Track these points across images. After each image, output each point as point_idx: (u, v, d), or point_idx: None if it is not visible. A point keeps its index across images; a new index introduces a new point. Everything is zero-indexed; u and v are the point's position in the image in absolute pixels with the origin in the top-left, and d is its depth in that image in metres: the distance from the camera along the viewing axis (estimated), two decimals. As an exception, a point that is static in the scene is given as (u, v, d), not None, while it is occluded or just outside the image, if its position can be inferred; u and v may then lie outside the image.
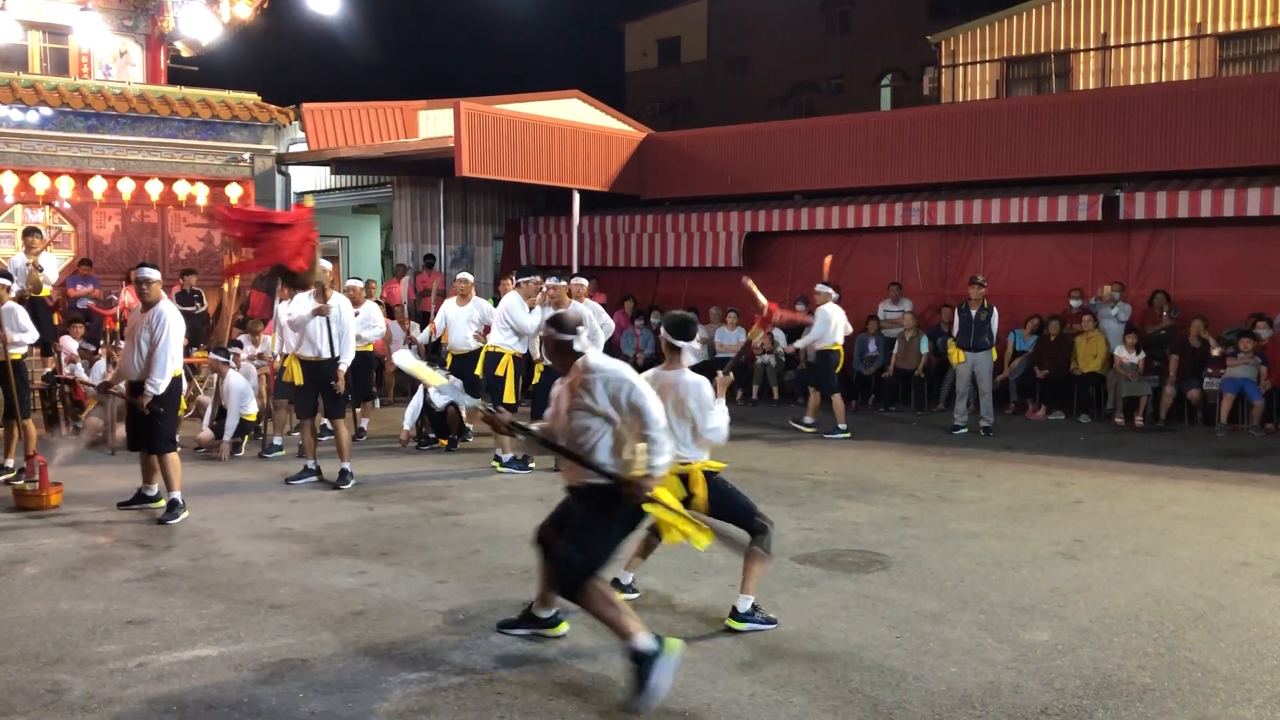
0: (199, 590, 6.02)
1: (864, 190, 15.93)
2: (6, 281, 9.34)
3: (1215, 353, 12.32)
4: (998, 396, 12.73)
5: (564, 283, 10.11)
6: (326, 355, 9.01)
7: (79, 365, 11.90)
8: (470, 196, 18.56)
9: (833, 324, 12.10)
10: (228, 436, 10.47)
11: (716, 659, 4.94)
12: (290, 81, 26.92)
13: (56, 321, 12.77)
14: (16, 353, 8.88)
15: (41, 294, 12.13)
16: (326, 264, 9.39)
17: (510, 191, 18.35)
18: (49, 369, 11.96)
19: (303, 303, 9.10)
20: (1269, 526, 7.66)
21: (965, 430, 12.17)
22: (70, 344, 12.02)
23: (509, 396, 10.03)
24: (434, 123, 18.28)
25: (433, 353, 12.24)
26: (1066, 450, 11.03)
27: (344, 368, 9.11)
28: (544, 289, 10.20)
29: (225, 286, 14.85)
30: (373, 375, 11.99)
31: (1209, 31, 19.66)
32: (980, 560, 6.69)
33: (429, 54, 42.21)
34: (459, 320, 10.69)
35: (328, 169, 18.14)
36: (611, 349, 15.19)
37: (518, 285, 10.44)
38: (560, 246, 18.23)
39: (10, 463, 9.23)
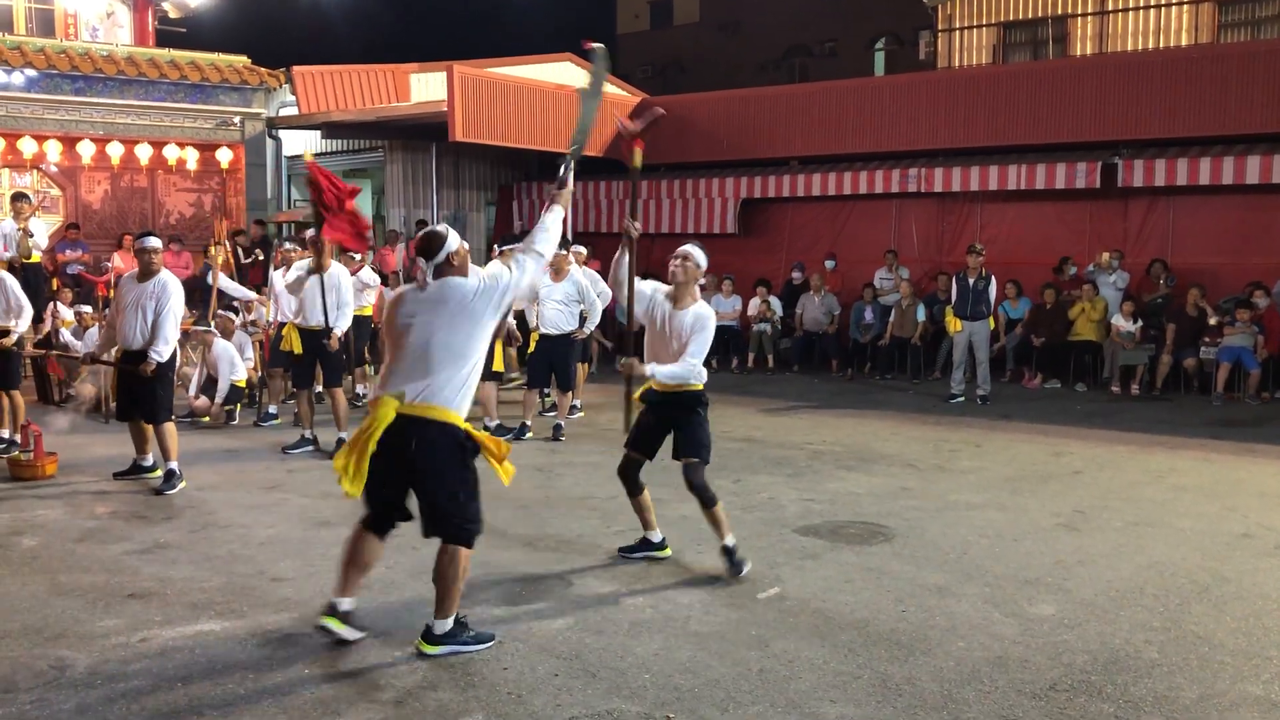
0: (199, 563, 5.98)
1: (860, 156, 15.82)
2: None
3: (1212, 321, 12.32)
4: (994, 364, 12.71)
5: (563, 251, 10.00)
6: (324, 324, 8.93)
7: (65, 332, 11.78)
8: (463, 161, 18.39)
9: None
10: (218, 400, 10.43)
11: (723, 635, 4.92)
12: (280, 44, 26.54)
13: (55, 286, 12.64)
14: (9, 340, 8.72)
15: (32, 260, 11.99)
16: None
17: (503, 156, 18.18)
18: (40, 336, 11.84)
19: (297, 270, 9.01)
20: (1268, 497, 7.67)
21: (962, 399, 12.16)
22: (64, 310, 11.89)
23: (498, 365, 9.99)
24: (426, 86, 18.07)
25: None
26: (1064, 419, 11.03)
27: (339, 332, 9.02)
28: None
29: (218, 250, 14.69)
30: (368, 341, 11.90)
31: (1207, -4, 19.52)
32: (983, 532, 6.69)
33: (419, 15, 41.72)
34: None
35: (318, 133, 17.93)
36: (608, 316, 15.12)
37: (500, 254, 10.34)
38: (554, 212, 18.07)
39: (4, 433, 9.15)
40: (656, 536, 6.06)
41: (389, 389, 4.59)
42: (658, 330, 5.83)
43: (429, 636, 4.65)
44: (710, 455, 5.78)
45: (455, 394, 4.59)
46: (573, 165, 5.20)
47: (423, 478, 4.60)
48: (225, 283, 11.26)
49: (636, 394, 5.90)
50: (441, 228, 4.82)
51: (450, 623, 4.66)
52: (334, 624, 4.71)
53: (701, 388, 5.80)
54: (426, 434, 4.54)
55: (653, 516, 6.04)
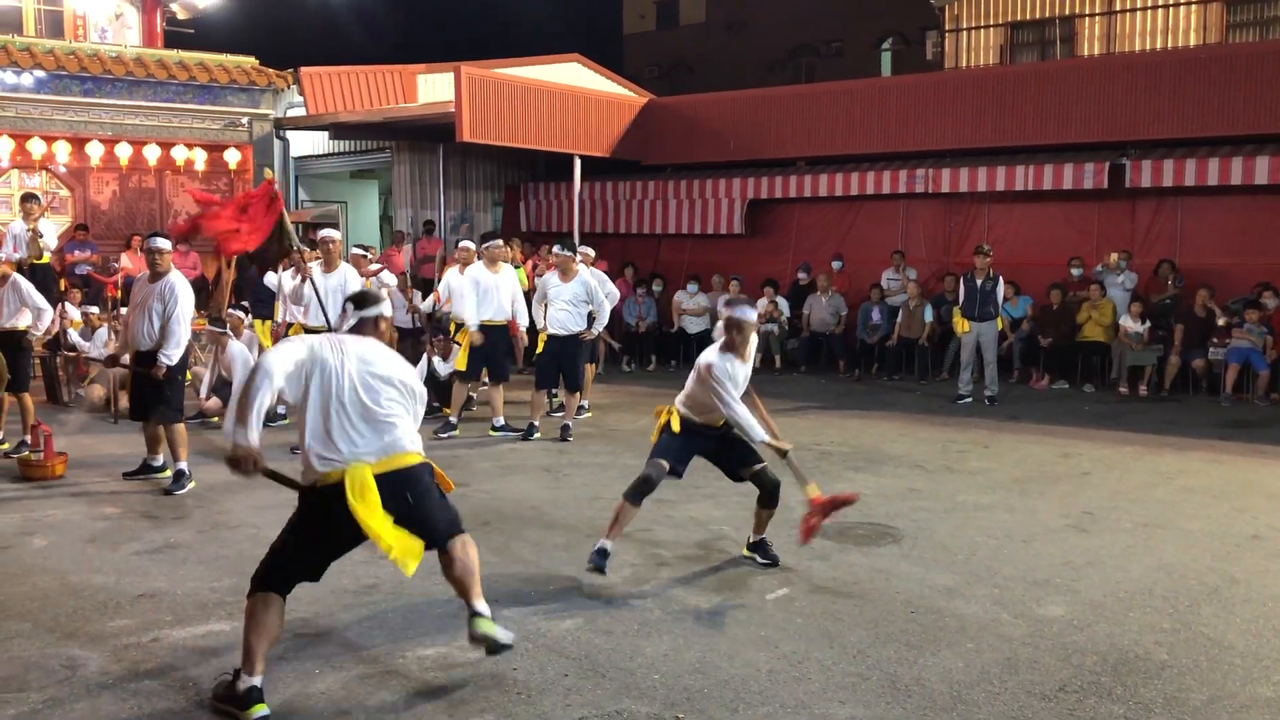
0: (209, 563, 6.00)
1: (867, 157, 15.81)
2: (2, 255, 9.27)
3: (1221, 322, 12.29)
4: (1001, 365, 12.69)
5: (568, 252, 10.02)
6: (328, 326, 8.95)
7: (73, 332, 11.81)
8: (470, 162, 18.42)
9: None
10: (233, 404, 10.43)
11: (733, 635, 4.93)
12: (288, 45, 26.60)
13: (63, 287, 12.68)
14: (34, 335, 8.76)
15: (42, 260, 12.02)
16: (334, 234, 9.30)
17: (510, 157, 18.21)
18: (50, 336, 11.87)
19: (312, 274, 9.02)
20: (1278, 499, 7.66)
21: (970, 400, 12.15)
22: (72, 311, 11.92)
23: (460, 364, 10.15)
24: (433, 87, 18.09)
25: (433, 322, 12.17)
26: (1072, 420, 11.02)
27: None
28: (549, 257, 10.18)
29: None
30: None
31: (1216, -4, 19.47)
32: (991, 533, 6.69)
33: (426, 16, 41.77)
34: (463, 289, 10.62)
35: (326, 134, 17.96)
36: (615, 317, 15.13)
37: (485, 249, 10.39)
38: (561, 213, 18.11)
39: (1, 434, 9.16)
40: (610, 547, 5.78)
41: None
42: (742, 384, 5.85)
43: (488, 617, 4.41)
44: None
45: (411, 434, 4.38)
46: None
47: (417, 520, 4.34)
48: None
49: (667, 422, 6.05)
50: (378, 293, 4.64)
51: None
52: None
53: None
54: (413, 482, 4.33)
55: (628, 528, 5.99)
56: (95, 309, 12.08)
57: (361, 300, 4.56)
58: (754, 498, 6.01)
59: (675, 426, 5.90)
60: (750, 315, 5.79)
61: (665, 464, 5.82)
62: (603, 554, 5.69)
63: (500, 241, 10.62)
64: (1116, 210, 14.21)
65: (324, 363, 4.23)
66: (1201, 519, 7.07)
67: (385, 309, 4.57)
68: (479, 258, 10.45)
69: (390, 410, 4.29)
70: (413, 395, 4.41)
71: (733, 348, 5.74)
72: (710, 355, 5.73)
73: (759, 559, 6.01)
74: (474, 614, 4.38)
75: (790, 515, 6.16)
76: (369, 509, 4.12)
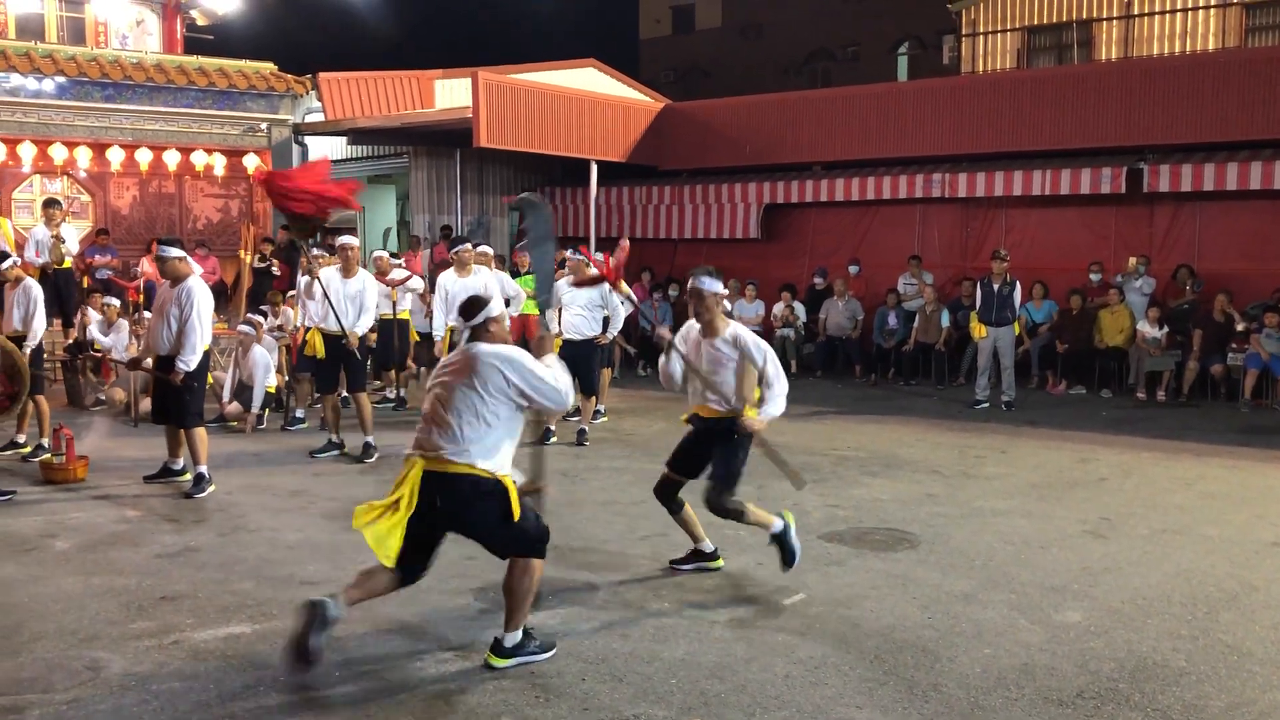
0: (229, 566, 6.05)
1: (884, 162, 15.80)
2: (15, 260, 9.33)
3: (1240, 328, 12.24)
4: (1018, 370, 12.67)
5: (579, 257, 10.08)
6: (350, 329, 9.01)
7: (93, 328, 11.87)
8: (486, 167, 18.47)
9: None
10: (255, 408, 10.50)
11: (750, 640, 4.94)
12: (307, 51, 26.78)
13: (85, 284, 12.79)
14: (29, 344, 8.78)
15: (64, 265, 12.13)
16: (352, 239, 9.35)
17: (527, 162, 18.25)
18: (71, 340, 11.98)
19: (328, 278, 9.07)
20: (1297, 505, 7.63)
21: (987, 405, 12.13)
22: (93, 315, 12.01)
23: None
24: (450, 92, 18.17)
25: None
26: (1089, 425, 10.99)
27: (359, 331, 9.10)
28: (567, 262, 10.22)
29: (244, 256, 14.84)
30: (396, 343, 12.02)
31: (1235, 0, 19.39)
32: (1008, 539, 6.68)
33: (443, 21, 41.97)
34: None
35: (344, 139, 18.06)
36: (631, 322, 15.16)
37: (454, 254, 10.34)
38: (577, 217, 18.15)
39: (22, 438, 9.25)
40: (708, 547, 6.01)
41: (420, 447, 4.57)
42: (693, 359, 5.82)
43: (499, 650, 4.58)
44: (737, 485, 5.74)
45: (482, 451, 4.52)
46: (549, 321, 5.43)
47: (466, 528, 4.61)
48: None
49: (683, 417, 6.00)
50: (486, 294, 4.86)
51: (520, 634, 4.62)
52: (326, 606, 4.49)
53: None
54: (455, 488, 4.48)
55: (699, 529, 6.00)
56: (115, 301, 12.15)
57: (468, 310, 4.74)
58: (766, 504, 5.99)
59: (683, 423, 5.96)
60: (708, 285, 5.74)
61: (668, 472, 5.92)
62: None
63: (469, 245, 10.38)
64: (1134, 215, 14.16)
65: None
66: (1220, 525, 7.04)
67: (494, 309, 4.74)
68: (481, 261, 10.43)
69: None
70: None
71: (697, 318, 5.81)
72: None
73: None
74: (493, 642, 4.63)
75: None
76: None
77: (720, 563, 6.00)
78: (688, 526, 5.99)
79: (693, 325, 5.88)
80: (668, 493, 5.92)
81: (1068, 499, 7.80)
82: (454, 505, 4.51)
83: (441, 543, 4.69)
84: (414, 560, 4.59)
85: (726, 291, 5.94)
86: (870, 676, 4.54)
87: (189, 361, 7.65)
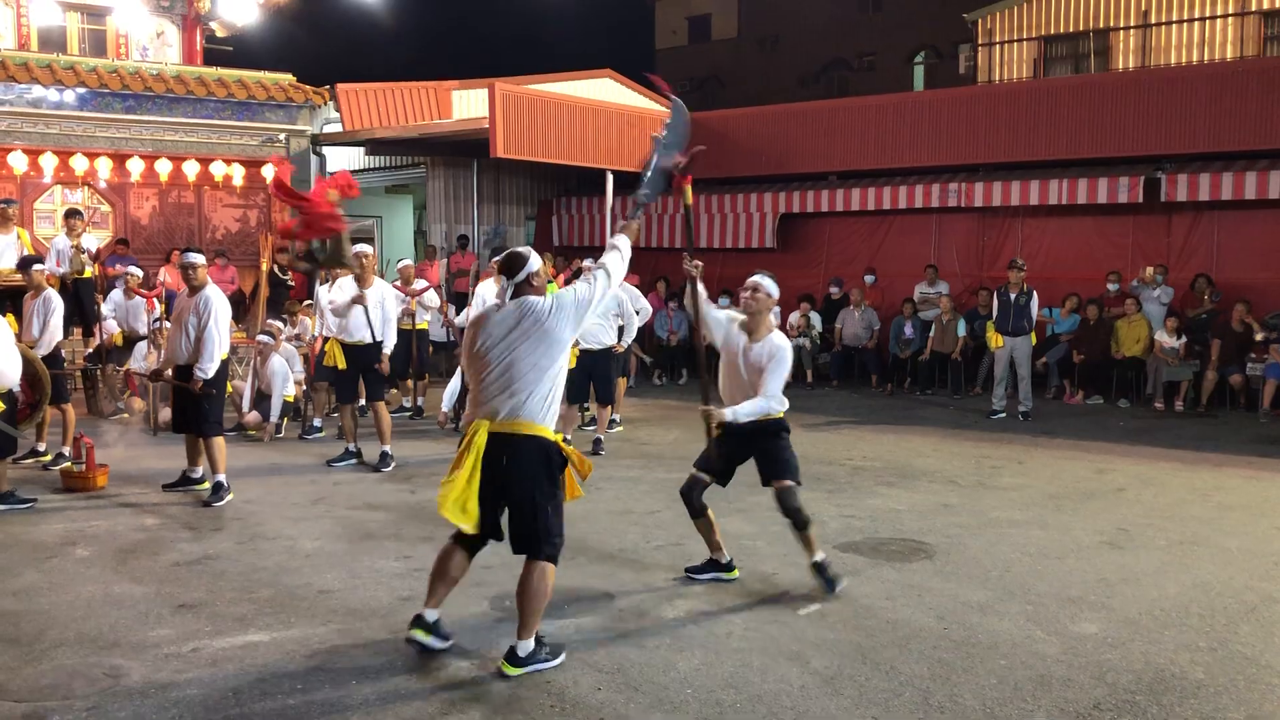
0: (247, 574, 6.08)
1: (900, 171, 15.80)
2: (41, 266, 9.41)
3: (1258, 337, 12.18)
4: (1036, 380, 12.63)
5: (590, 263, 10.12)
6: (368, 340, 9.05)
7: (107, 306, 11.94)
8: (503, 177, 18.56)
9: None
10: (273, 417, 10.56)
11: (765, 650, 4.94)
12: (325, 62, 26.94)
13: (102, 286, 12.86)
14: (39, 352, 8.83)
15: (85, 275, 12.23)
16: (367, 248, 9.40)
17: (543, 172, 18.33)
18: (91, 349, 12.07)
19: (344, 288, 9.13)
20: (1317, 516, 7.58)
21: (1003, 415, 12.09)
22: (111, 325, 12.11)
23: None
24: (467, 103, 18.25)
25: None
26: (1107, 436, 10.94)
27: (387, 351, 9.17)
28: (584, 270, 10.22)
29: (263, 266, 14.94)
30: (413, 353, 12.08)
31: (1253, 8, 19.31)
32: (1025, 549, 6.66)
33: (460, 32, 42.18)
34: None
35: (362, 149, 18.17)
36: (647, 331, 15.19)
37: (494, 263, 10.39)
38: (593, 227, 18.20)
39: (43, 446, 9.32)
40: (724, 558, 5.99)
41: (480, 411, 4.71)
42: (734, 363, 5.81)
43: (513, 659, 4.63)
44: (800, 477, 5.76)
45: (540, 408, 4.69)
46: (640, 212, 5.46)
47: (514, 491, 4.67)
48: None
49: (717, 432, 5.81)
50: (524, 249, 4.93)
51: (533, 643, 4.67)
52: (421, 635, 4.80)
53: (783, 415, 5.78)
54: (518, 449, 4.64)
55: (719, 536, 5.97)
56: (139, 271, 12.24)
57: (509, 267, 4.84)
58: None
59: (715, 431, 5.78)
60: (767, 283, 5.86)
61: (699, 475, 5.85)
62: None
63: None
64: (1152, 224, 14.11)
65: None
66: (1239, 536, 7.00)
67: (534, 264, 4.85)
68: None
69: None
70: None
71: (746, 310, 5.88)
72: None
73: (820, 584, 5.76)
74: (508, 651, 4.71)
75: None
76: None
77: (736, 573, 5.99)
78: (707, 534, 5.95)
79: (738, 318, 5.87)
80: (694, 494, 5.84)
81: (1084, 510, 7.78)
82: (521, 466, 4.65)
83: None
84: (488, 525, 4.72)
85: (776, 297, 5.93)
86: (886, 688, 4.53)
87: (207, 369, 7.73)
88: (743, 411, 5.61)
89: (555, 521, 4.72)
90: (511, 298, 4.81)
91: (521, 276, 4.79)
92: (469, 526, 4.62)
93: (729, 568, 6.00)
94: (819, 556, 5.72)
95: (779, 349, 5.71)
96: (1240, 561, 6.42)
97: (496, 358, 4.67)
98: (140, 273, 12.17)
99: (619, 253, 5.04)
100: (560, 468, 4.75)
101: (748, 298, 5.83)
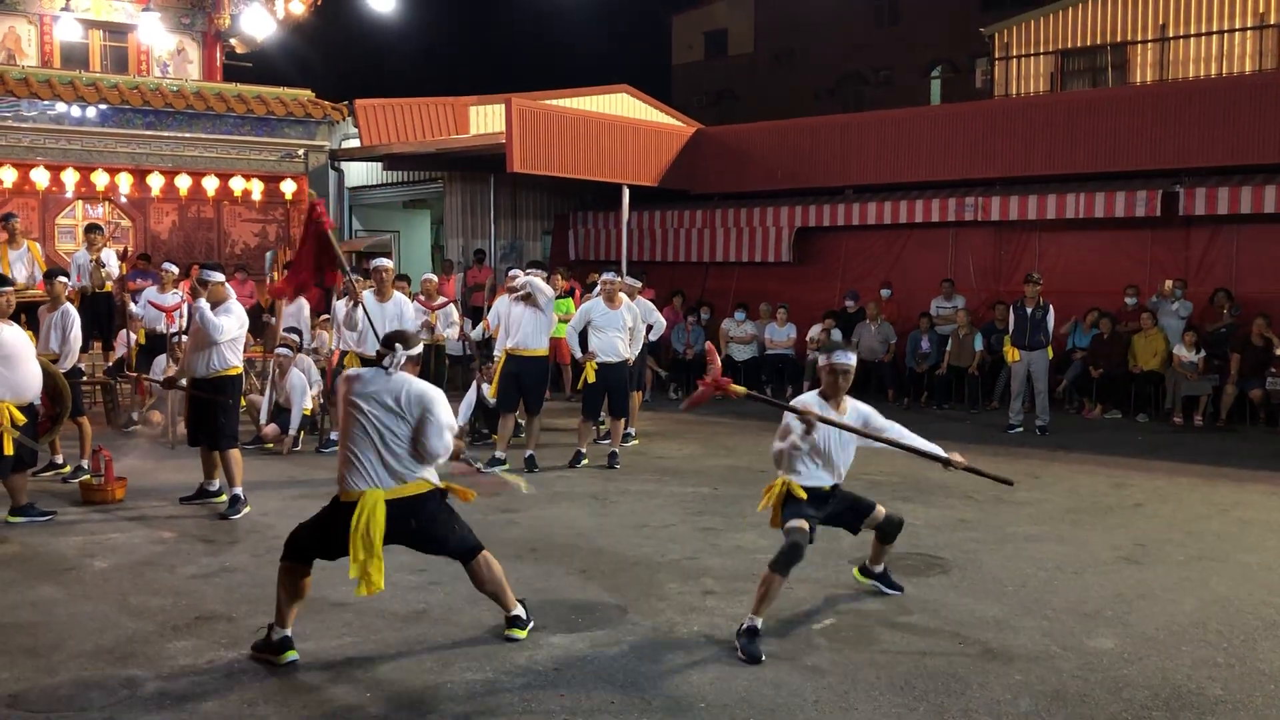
0: (263, 586, 6.09)
1: (916, 185, 15.77)
2: (65, 279, 9.49)
3: (1278, 352, 12.09)
4: (1054, 399, 12.56)
5: (617, 279, 10.20)
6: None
7: (139, 305, 11.95)
8: (520, 191, 18.63)
9: None
10: (292, 430, 10.61)
11: (779, 664, 4.93)
12: (343, 78, 27.17)
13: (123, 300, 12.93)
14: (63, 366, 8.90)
15: (104, 289, 12.34)
16: (387, 262, 9.45)
17: (560, 186, 18.39)
18: (111, 363, 12.16)
19: (366, 302, 9.16)
20: (1337, 532, 7.51)
21: (1020, 429, 12.04)
22: (140, 315, 12.12)
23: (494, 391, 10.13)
24: (484, 118, 18.36)
25: (483, 349, 12.31)
26: (1125, 450, 10.88)
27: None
28: (600, 283, 10.31)
29: (277, 278, 15.03)
30: (433, 367, 12.12)
31: (1272, 21, 19.25)
32: (1041, 564, 6.63)
33: (478, 48, 42.44)
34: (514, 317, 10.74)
35: (380, 164, 18.29)
36: (662, 345, 15.20)
37: (605, 282, 10.39)
38: (609, 241, 18.24)
39: (61, 459, 9.39)
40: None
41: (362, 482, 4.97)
42: (833, 444, 5.56)
43: (513, 624, 5.24)
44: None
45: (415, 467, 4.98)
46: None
47: (425, 541, 5.13)
48: None
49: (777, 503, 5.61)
50: (411, 332, 5.33)
51: (521, 608, 5.28)
52: (292, 655, 4.95)
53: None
54: (419, 508, 4.99)
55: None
56: (174, 268, 12.20)
57: (406, 340, 5.17)
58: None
59: (800, 494, 5.50)
60: (846, 359, 5.55)
61: (805, 525, 5.38)
62: (753, 633, 5.13)
63: (615, 277, 10.28)
64: (1170, 238, 14.04)
65: None
66: (1259, 552, 6.95)
67: (417, 351, 5.19)
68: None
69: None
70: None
71: (832, 390, 5.55)
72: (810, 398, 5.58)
73: (882, 588, 6.05)
74: (508, 621, 5.26)
75: (837, 544, 6.14)
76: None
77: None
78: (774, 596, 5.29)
79: (813, 404, 5.49)
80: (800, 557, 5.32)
81: (1102, 525, 7.73)
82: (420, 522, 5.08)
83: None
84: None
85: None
86: (900, 702, 4.52)
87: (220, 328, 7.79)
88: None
89: (460, 529, 5.15)
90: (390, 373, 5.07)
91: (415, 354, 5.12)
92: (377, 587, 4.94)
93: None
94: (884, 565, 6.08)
95: (862, 412, 5.68)
96: (1259, 577, 6.37)
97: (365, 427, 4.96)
98: (175, 269, 12.07)
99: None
100: (443, 499, 5.12)
101: (839, 381, 5.53)
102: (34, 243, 12.66)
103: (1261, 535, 7.42)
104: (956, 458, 5.72)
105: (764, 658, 4.97)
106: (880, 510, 5.89)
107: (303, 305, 12.05)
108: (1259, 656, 5.06)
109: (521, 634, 5.21)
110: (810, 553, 5.87)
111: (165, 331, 11.44)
